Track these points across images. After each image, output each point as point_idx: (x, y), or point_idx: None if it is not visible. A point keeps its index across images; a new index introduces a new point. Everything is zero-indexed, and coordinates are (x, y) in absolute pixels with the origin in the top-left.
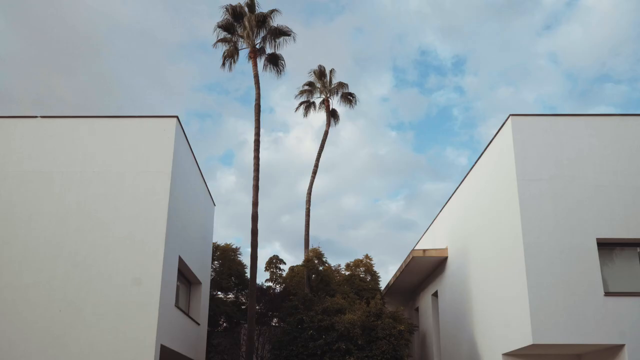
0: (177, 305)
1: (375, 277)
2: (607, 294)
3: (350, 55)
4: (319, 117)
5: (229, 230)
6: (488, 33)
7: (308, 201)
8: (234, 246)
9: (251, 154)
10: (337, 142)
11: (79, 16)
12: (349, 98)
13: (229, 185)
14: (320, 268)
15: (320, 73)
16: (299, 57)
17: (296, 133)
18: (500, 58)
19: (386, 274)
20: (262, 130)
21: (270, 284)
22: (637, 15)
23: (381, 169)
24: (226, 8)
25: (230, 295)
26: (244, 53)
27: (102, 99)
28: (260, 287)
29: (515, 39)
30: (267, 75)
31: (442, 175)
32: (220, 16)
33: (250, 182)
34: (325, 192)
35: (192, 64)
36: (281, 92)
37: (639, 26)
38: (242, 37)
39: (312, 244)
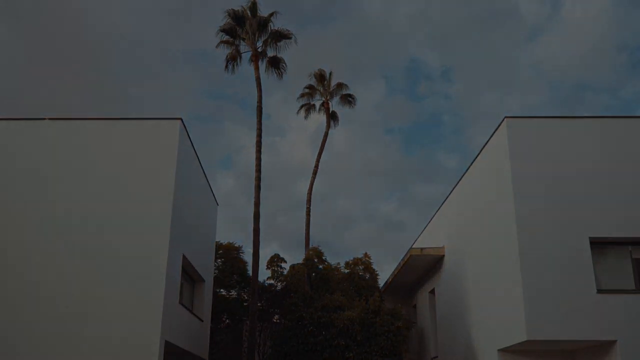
0: (181, 303)
1: (373, 275)
2: (600, 291)
3: (343, 63)
4: (315, 120)
5: (227, 232)
6: (474, 43)
7: (308, 200)
8: (236, 245)
9: (249, 158)
10: (332, 146)
11: (83, 24)
12: (348, 99)
13: (227, 188)
14: (320, 267)
15: (321, 76)
16: (292, 64)
17: (292, 137)
18: (486, 67)
19: (381, 273)
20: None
21: (271, 281)
22: (614, 27)
23: (374, 172)
24: (228, 12)
25: (232, 293)
26: (245, 56)
27: (104, 104)
28: (262, 285)
29: (499, 49)
30: (263, 81)
31: (433, 178)
32: (221, 21)
33: (248, 185)
34: (320, 194)
35: (192, 69)
36: (277, 98)
37: (616, 37)
38: (243, 39)
39: (312, 243)
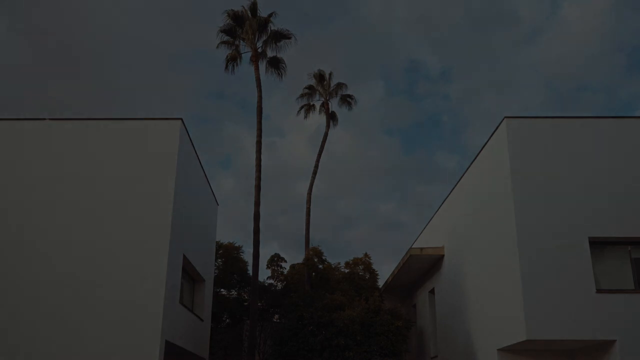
0: (181, 302)
1: (373, 275)
2: (599, 291)
3: (343, 63)
4: (314, 121)
5: (227, 232)
6: (472, 44)
7: (308, 201)
8: (236, 245)
9: (249, 158)
10: (331, 147)
11: (83, 26)
12: (347, 100)
13: (227, 188)
14: (320, 266)
15: (320, 76)
16: (292, 65)
17: (291, 138)
18: (485, 68)
19: (381, 273)
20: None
21: (271, 281)
22: (613, 28)
23: (374, 173)
24: (228, 13)
25: (232, 293)
26: (245, 56)
27: (104, 105)
28: (262, 285)
29: (498, 49)
30: (263, 82)
31: (432, 178)
32: (221, 21)
33: (248, 186)
34: (320, 195)
35: (192, 69)
36: (277, 98)
37: (615, 38)
38: (243, 39)
39: (312, 244)
